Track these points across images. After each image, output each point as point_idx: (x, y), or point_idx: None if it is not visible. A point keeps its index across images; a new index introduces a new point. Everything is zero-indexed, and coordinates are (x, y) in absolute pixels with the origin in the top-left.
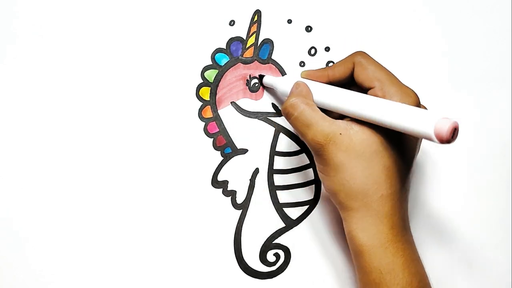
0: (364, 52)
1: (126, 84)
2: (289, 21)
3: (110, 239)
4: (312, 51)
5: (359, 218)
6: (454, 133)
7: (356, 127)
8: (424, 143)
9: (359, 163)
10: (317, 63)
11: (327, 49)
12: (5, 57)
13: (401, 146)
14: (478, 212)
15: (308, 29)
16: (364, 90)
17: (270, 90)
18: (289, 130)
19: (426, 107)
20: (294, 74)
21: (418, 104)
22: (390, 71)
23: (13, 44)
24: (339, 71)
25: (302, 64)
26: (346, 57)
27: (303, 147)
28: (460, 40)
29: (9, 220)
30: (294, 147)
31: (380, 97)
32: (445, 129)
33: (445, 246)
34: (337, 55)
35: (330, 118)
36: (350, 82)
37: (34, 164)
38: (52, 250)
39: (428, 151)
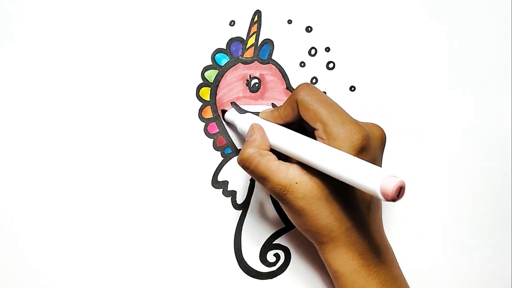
0: (307, 85)
1: (126, 85)
2: (289, 22)
3: (110, 239)
4: (312, 52)
5: (329, 249)
6: (400, 192)
7: (309, 174)
8: (425, 143)
9: (318, 206)
10: (317, 63)
11: (327, 49)
12: (5, 57)
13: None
14: (478, 212)
15: (308, 29)
16: (312, 129)
17: (231, 125)
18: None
19: (377, 125)
20: (252, 115)
21: (365, 139)
22: (334, 103)
23: (12, 44)
24: (289, 112)
25: (302, 64)
26: (291, 95)
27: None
28: (460, 40)
29: (9, 220)
30: None
31: (324, 139)
32: (391, 188)
33: (445, 246)
34: (337, 55)
35: (285, 166)
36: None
37: (34, 164)
38: (52, 250)
39: (428, 151)
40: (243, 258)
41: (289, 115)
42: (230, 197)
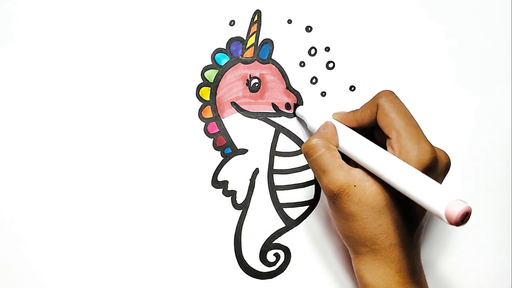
0: (390, 92)
1: (126, 84)
2: (289, 21)
3: (110, 239)
4: (312, 51)
5: (367, 261)
6: (465, 218)
7: (370, 180)
8: None
9: (370, 215)
10: (317, 63)
11: (327, 49)
12: (5, 57)
13: (412, 202)
14: (478, 212)
15: (308, 29)
16: (385, 136)
17: (302, 121)
18: (289, 130)
19: (445, 152)
20: (326, 113)
21: (433, 160)
22: (413, 117)
23: (12, 44)
24: (366, 115)
25: (302, 64)
26: (372, 98)
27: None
28: (460, 40)
29: (9, 220)
30: (294, 147)
31: (396, 150)
32: (456, 213)
33: (445, 246)
34: (337, 55)
35: (348, 167)
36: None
37: (34, 164)
38: (52, 250)
39: None
40: (243, 258)
41: (365, 119)
42: (230, 197)
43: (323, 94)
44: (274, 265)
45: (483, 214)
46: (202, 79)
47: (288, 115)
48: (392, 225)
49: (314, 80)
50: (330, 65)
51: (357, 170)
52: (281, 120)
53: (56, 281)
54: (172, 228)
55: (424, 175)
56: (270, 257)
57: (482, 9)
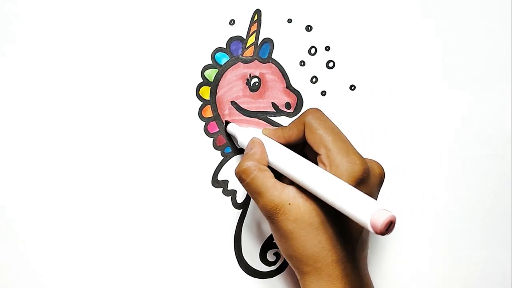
0: (316, 110)
1: (126, 84)
2: (289, 21)
3: (110, 238)
4: (312, 51)
5: (312, 281)
6: (389, 226)
7: (304, 197)
8: (425, 143)
9: (308, 232)
10: (317, 62)
11: (327, 48)
12: (5, 57)
13: (347, 217)
14: (478, 212)
15: (308, 28)
16: (315, 152)
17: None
18: None
19: (378, 162)
20: (254, 129)
21: (365, 172)
22: (340, 132)
23: (12, 44)
24: (293, 133)
25: (302, 63)
26: (298, 117)
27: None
28: (461, 39)
29: (9, 220)
30: None
31: (326, 165)
32: (381, 222)
33: (444, 246)
34: (337, 54)
35: (281, 185)
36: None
37: (34, 164)
38: (52, 250)
39: (428, 151)
40: (243, 257)
41: (293, 136)
42: (230, 196)
43: (323, 93)
44: (274, 264)
45: (483, 214)
46: (202, 79)
47: (288, 115)
48: (332, 240)
49: (314, 80)
50: (330, 64)
51: (290, 187)
52: (281, 120)
53: (56, 281)
54: (172, 228)
55: (351, 187)
56: (270, 256)
57: (482, 9)
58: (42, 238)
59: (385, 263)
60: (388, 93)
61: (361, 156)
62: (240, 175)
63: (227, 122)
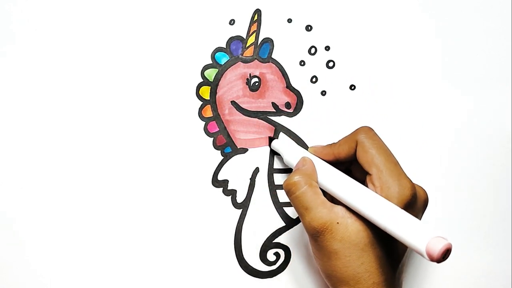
0: (369, 129)
1: (126, 84)
2: (289, 20)
3: (110, 238)
4: (312, 50)
5: None
6: (446, 254)
7: (353, 217)
8: (425, 142)
9: (353, 253)
10: (317, 62)
11: (327, 48)
12: (5, 57)
13: (394, 239)
14: (478, 212)
15: (308, 28)
16: (364, 172)
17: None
18: (289, 130)
19: (423, 188)
20: (301, 149)
21: (414, 197)
22: (392, 154)
23: (12, 44)
24: (344, 150)
25: (302, 63)
26: (350, 134)
27: (303, 147)
28: (461, 39)
29: (9, 220)
30: None
31: (377, 186)
32: (437, 250)
33: None
34: (337, 54)
35: (330, 204)
36: (356, 159)
37: (34, 164)
38: (52, 250)
39: (428, 151)
40: (243, 257)
41: (342, 153)
42: (230, 196)
43: (323, 93)
44: (274, 264)
45: (483, 214)
46: (202, 78)
47: (288, 114)
48: (375, 263)
49: (314, 79)
50: (330, 64)
51: (339, 207)
52: (281, 119)
53: (56, 281)
54: (172, 227)
55: (405, 212)
56: (270, 256)
57: (482, 9)
58: (42, 238)
59: None
60: (388, 93)
61: (411, 181)
62: (290, 188)
63: (271, 138)
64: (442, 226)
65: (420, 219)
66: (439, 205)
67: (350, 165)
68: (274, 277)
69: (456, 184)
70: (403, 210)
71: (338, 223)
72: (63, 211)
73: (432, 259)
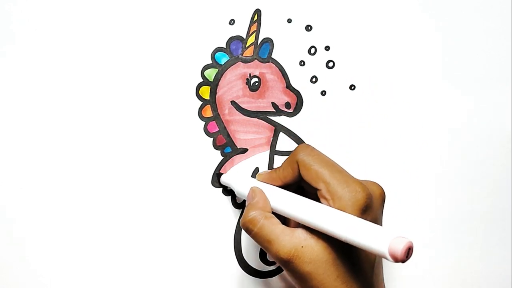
0: (306, 146)
1: (126, 84)
2: (289, 20)
3: (110, 238)
4: (312, 50)
5: None
6: (408, 253)
7: (315, 237)
8: (425, 142)
9: (326, 270)
10: (317, 62)
11: (327, 48)
12: (5, 57)
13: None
14: (478, 212)
15: (308, 28)
16: (314, 188)
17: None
18: (289, 129)
19: (377, 183)
20: (250, 178)
21: (368, 198)
22: (335, 163)
23: (12, 44)
24: (288, 173)
25: (302, 63)
26: (290, 156)
27: None
28: (461, 39)
29: (9, 220)
30: (294, 146)
31: (328, 199)
32: (399, 250)
33: (444, 246)
34: (337, 54)
35: (290, 230)
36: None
37: (34, 164)
38: (52, 250)
39: (428, 151)
40: (243, 257)
41: (288, 176)
42: (230, 196)
43: (323, 93)
44: (274, 264)
45: (483, 214)
46: (202, 78)
47: (288, 114)
48: (349, 272)
49: (314, 79)
50: (330, 64)
51: (300, 230)
52: (281, 119)
53: (56, 281)
54: (172, 227)
55: (360, 219)
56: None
57: (482, 9)
58: (42, 238)
59: (384, 263)
60: (388, 93)
61: (361, 182)
62: (247, 226)
63: (219, 174)
64: (442, 226)
65: (381, 215)
66: (439, 205)
67: (301, 184)
68: (274, 277)
69: (456, 184)
70: (358, 218)
71: (302, 246)
72: (63, 211)
73: (396, 260)
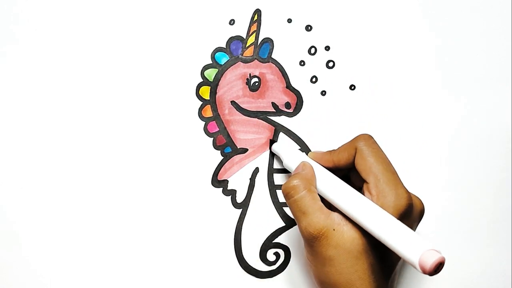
0: (369, 136)
1: (126, 84)
2: (289, 20)
3: (110, 238)
4: (312, 50)
5: None
6: (438, 267)
7: (349, 225)
8: (425, 142)
9: (347, 260)
10: (317, 62)
11: (327, 48)
12: (6, 57)
13: (388, 249)
14: (478, 212)
15: (308, 28)
16: (362, 179)
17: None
18: (289, 129)
19: (420, 199)
20: (302, 153)
21: (409, 207)
22: (390, 163)
23: (13, 44)
24: (343, 157)
25: (302, 63)
26: (350, 141)
27: (303, 147)
28: (460, 39)
29: (9, 220)
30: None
31: (374, 195)
32: (430, 263)
33: (444, 245)
34: (337, 54)
35: (327, 210)
36: (354, 167)
37: (34, 164)
38: (52, 250)
39: (428, 151)
40: (243, 257)
41: (342, 160)
42: (230, 196)
43: (323, 93)
44: (274, 264)
45: (483, 214)
46: (202, 78)
47: (288, 114)
48: (368, 270)
49: (314, 79)
50: (330, 64)
51: (336, 214)
52: (281, 119)
53: (56, 281)
54: (172, 227)
55: (400, 223)
56: (270, 256)
57: (482, 9)
58: (42, 238)
59: None
60: (388, 93)
61: (408, 190)
62: (288, 191)
63: (272, 141)
64: (442, 226)
65: (415, 229)
66: (439, 205)
67: (349, 172)
68: (274, 277)
69: (456, 183)
70: (398, 221)
71: (334, 229)
72: (63, 211)
73: (424, 272)
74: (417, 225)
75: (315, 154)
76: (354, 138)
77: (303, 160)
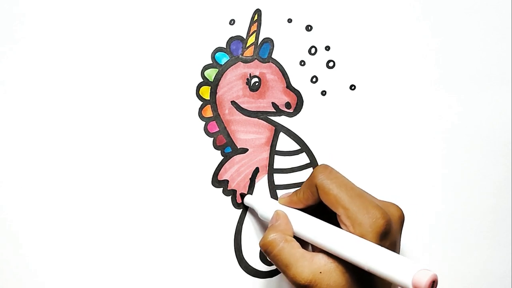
0: (324, 167)
1: (126, 84)
2: (289, 20)
3: (109, 238)
4: (312, 50)
5: None
6: (433, 286)
7: (335, 262)
8: (425, 142)
9: None
10: (317, 62)
11: (327, 48)
12: (6, 57)
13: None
14: (478, 212)
15: (308, 28)
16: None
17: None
18: (289, 130)
19: (396, 205)
20: (273, 201)
21: (388, 224)
22: (354, 186)
23: (13, 44)
24: (308, 196)
25: (302, 63)
26: (308, 178)
27: (303, 147)
28: (460, 39)
29: (9, 220)
30: (294, 146)
31: (348, 225)
32: (423, 283)
33: (444, 245)
34: (337, 54)
35: (309, 255)
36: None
37: (34, 164)
38: (52, 250)
39: (428, 150)
40: (243, 257)
41: (309, 199)
42: (230, 196)
43: (323, 93)
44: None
45: (483, 214)
46: (202, 78)
47: (288, 114)
48: None
49: (314, 79)
50: (331, 64)
51: (320, 255)
52: (281, 119)
53: (56, 281)
54: (172, 228)
55: (384, 249)
56: None
57: (482, 9)
58: (41, 238)
59: None
60: (388, 93)
61: (380, 207)
62: (266, 247)
63: (243, 195)
64: (442, 225)
65: (400, 237)
66: (439, 205)
67: (322, 204)
68: (274, 277)
69: (456, 183)
70: (381, 248)
71: (321, 272)
72: (63, 211)
73: None
74: (401, 233)
75: (284, 199)
76: (311, 173)
77: (276, 209)
